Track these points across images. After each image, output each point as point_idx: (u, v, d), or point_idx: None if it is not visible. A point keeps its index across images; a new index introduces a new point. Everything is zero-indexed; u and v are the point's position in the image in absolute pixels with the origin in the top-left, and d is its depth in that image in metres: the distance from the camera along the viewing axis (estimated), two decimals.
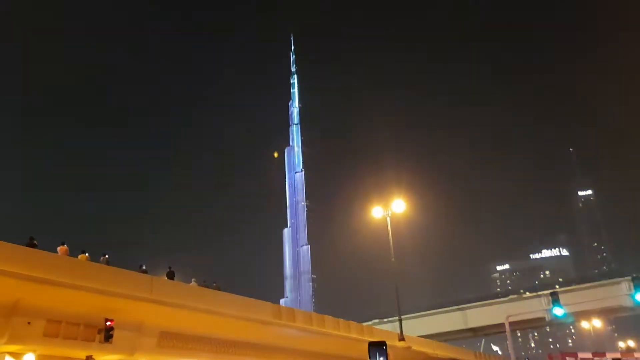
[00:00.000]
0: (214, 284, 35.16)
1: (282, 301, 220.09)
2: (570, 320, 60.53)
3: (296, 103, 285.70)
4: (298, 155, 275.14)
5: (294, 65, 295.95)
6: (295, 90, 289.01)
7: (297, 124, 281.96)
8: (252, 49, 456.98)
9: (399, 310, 47.83)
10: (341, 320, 42.35)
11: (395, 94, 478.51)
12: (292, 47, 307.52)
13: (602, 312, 68.85)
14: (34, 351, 23.21)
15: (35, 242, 24.37)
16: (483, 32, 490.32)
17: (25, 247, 22.97)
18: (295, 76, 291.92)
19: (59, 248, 26.76)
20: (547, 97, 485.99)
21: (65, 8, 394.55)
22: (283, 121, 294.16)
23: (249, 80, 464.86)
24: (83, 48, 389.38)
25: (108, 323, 24.16)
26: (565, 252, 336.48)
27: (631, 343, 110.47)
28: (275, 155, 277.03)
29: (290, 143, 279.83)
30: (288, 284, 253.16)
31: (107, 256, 28.31)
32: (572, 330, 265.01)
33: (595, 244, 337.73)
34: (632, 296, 41.45)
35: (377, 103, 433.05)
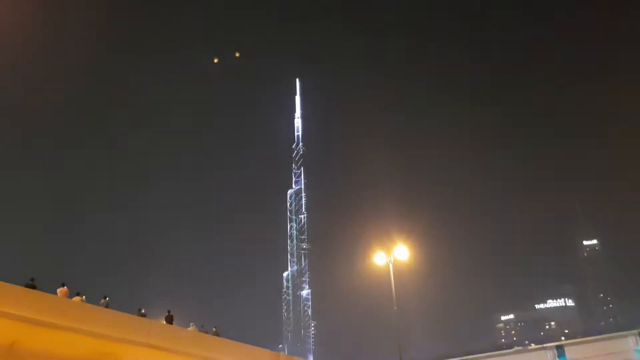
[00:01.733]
0: (213, 329, 34.79)
1: (281, 347, 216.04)
2: None
3: (300, 145, 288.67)
4: (300, 198, 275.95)
5: (300, 109, 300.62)
6: (299, 134, 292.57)
7: (300, 166, 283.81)
8: (253, 90, 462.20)
9: None
10: None
11: (398, 139, 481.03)
12: (297, 90, 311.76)
13: None
14: None
15: (34, 283, 24.28)
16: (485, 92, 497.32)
17: (23, 288, 22.88)
18: (300, 120, 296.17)
19: (58, 290, 26.62)
20: (549, 145, 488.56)
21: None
22: (286, 163, 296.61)
23: (251, 121, 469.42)
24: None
25: None
26: (570, 303, 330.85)
27: None
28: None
29: (293, 186, 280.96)
30: (287, 329, 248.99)
31: (107, 299, 28.10)
32: None
33: (602, 295, 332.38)
34: (639, 351, 40.79)
35: (380, 146, 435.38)
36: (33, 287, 23.49)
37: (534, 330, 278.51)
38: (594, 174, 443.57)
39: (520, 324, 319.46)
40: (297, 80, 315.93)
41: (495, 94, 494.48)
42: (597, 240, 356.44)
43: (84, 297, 26.85)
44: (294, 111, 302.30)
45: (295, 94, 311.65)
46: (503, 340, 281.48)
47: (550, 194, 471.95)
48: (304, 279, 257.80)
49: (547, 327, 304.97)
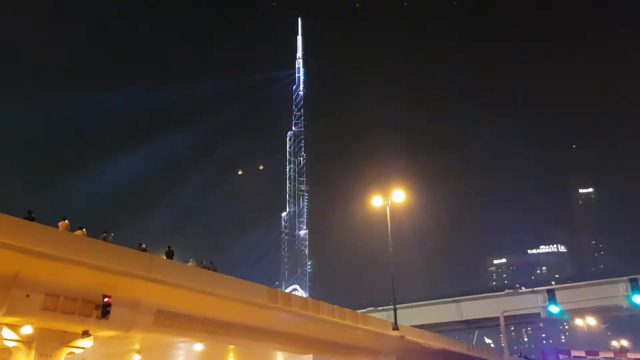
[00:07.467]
0: (211, 265, 35.35)
1: (277, 284, 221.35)
2: (565, 317, 60.82)
3: (300, 88, 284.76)
4: (300, 141, 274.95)
5: (301, 50, 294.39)
6: (300, 75, 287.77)
7: (300, 109, 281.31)
8: (255, 32, 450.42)
9: (394, 299, 48.11)
10: (336, 306, 42.52)
11: (399, 85, 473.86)
12: (299, 30, 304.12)
13: (597, 311, 69.14)
14: (31, 324, 23.40)
15: (33, 215, 24.38)
16: (483, 32, 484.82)
17: (26, 221, 23.02)
18: (301, 61, 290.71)
19: (60, 223, 26.78)
20: (548, 93, 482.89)
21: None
22: (286, 106, 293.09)
23: (251, 63, 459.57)
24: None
25: (106, 299, 24.31)
26: (562, 249, 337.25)
27: (624, 343, 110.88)
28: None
29: (293, 128, 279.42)
30: (284, 268, 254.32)
31: (105, 234, 28.21)
32: (566, 327, 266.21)
33: (594, 242, 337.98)
34: (629, 298, 41.64)
35: (381, 93, 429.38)
36: (32, 219, 23.60)
37: (525, 274, 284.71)
38: (593, 123, 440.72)
39: (512, 268, 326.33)
40: (299, 19, 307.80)
41: (495, 42, 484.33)
42: (593, 188, 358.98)
43: (84, 230, 27.08)
44: (296, 52, 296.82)
45: (297, 34, 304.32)
46: (494, 283, 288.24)
47: (549, 141, 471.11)
48: (301, 219, 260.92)
49: (538, 271, 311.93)
